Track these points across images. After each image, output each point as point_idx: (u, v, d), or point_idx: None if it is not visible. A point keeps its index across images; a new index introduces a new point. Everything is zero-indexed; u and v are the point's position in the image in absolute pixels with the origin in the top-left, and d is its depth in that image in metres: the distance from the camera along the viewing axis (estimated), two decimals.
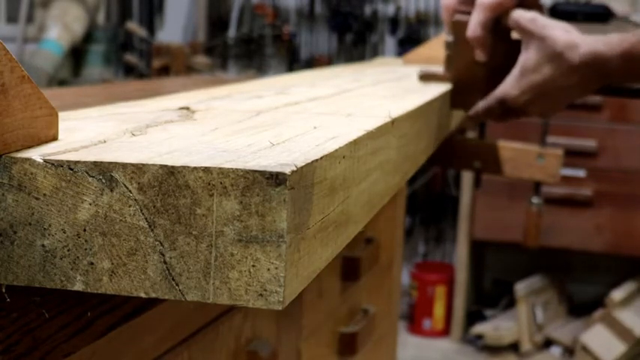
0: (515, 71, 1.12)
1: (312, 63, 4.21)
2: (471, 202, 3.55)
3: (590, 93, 1.13)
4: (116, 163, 0.47)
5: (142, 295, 0.47)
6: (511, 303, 3.66)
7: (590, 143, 3.39)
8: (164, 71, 3.67)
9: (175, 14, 4.45)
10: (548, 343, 3.54)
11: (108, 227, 0.47)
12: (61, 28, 4.00)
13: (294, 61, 4.32)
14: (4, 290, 0.49)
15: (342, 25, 4.23)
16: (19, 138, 0.49)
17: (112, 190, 0.47)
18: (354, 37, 4.24)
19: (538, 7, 1.16)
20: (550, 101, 1.12)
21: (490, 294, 3.92)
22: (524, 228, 2.01)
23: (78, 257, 0.47)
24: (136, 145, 0.53)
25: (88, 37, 4.16)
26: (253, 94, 0.94)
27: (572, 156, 3.21)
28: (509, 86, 1.13)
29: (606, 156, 3.39)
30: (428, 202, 4.07)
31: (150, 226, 0.47)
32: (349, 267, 1.36)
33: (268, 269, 0.46)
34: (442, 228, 4.12)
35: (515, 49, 1.13)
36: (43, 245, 0.48)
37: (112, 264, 0.47)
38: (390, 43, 4.23)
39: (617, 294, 3.38)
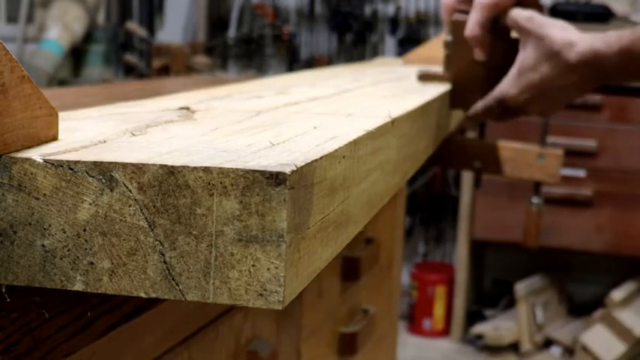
0: (513, 70, 1.12)
1: (312, 63, 4.21)
2: (471, 202, 3.55)
3: (589, 92, 1.13)
4: (116, 163, 0.47)
5: (142, 295, 0.47)
6: (511, 303, 3.66)
7: (590, 143, 3.39)
8: (164, 71, 3.67)
9: (175, 14, 4.45)
10: (548, 343, 3.54)
11: (108, 227, 0.47)
12: (61, 28, 4.00)
13: (294, 61, 4.32)
14: (4, 290, 0.49)
15: (342, 25, 4.23)
16: (19, 138, 0.49)
17: (112, 190, 0.47)
18: (354, 37, 4.24)
19: (537, 7, 1.16)
20: (549, 100, 1.12)
21: (490, 294, 3.92)
22: (524, 228, 2.01)
23: (78, 257, 0.47)
24: (136, 145, 0.53)
25: (88, 37, 4.16)
26: (253, 94, 0.94)
27: (572, 156, 3.21)
28: (507, 85, 1.13)
29: (606, 156, 3.39)
30: (428, 202, 4.08)
31: (150, 226, 0.47)
32: (349, 267, 1.36)
33: (268, 269, 0.46)
34: (442, 228, 4.12)
35: (514, 48, 1.13)
36: (43, 245, 0.48)
37: (112, 264, 0.47)
38: (390, 43, 4.23)
39: (617, 294, 3.38)
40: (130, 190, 0.47)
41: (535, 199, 1.97)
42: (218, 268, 0.46)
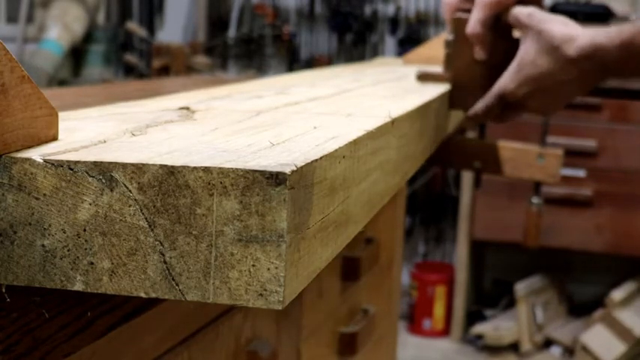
0: (513, 65, 1.12)
1: (312, 63, 4.21)
2: (471, 202, 3.55)
3: (590, 88, 1.12)
4: (116, 163, 0.47)
5: (142, 295, 0.47)
6: (511, 303, 3.66)
7: (590, 143, 3.39)
8: (164, 71, 3.67)
9: (175, 14, 4.45)
10: (548, 343, 3.54)
11: (108, 227, 0.47)
12: (61, 28, 4.00)
13: (294, 61, 4.32)
14: (4, 290, 0.49)
15: (342, 25, 4.23)
16: (19, 138, 0.49)
17: (112, 190, 0.47)
18: (354, 37, 4.24)
19: (539, 5, 1.16)
20: (549, 96, 1.12)
21: (490, 294, 3.92)
22: (524, 228, 2.01)
23: (78, 257, 0.47)
24: (136, 145, 0.53)
25: (88, 37, 4.16)
26: (253, 94, 0.94)
27: (572, 156, 3.21)
28: (506, 80, 1.12)
29: (606, 156, 3.39)
30: (428, 202, 4.08)
31: (150, 226, 0.47)
32: (349, 267, 1.36)
33: (268, 269, 0.46)
34: (442, 228, 4.12)
35: (515, 47, 1.13)
36: (43, 245, 0.48)
37: (112, 264, 0.47)
38: (390, 43, 4.23)
39: (617, 294, 3.38)
40: (130, 190, 0.47)
41: (535, 199, 1.97)
42: (218, 268, 0.46)
